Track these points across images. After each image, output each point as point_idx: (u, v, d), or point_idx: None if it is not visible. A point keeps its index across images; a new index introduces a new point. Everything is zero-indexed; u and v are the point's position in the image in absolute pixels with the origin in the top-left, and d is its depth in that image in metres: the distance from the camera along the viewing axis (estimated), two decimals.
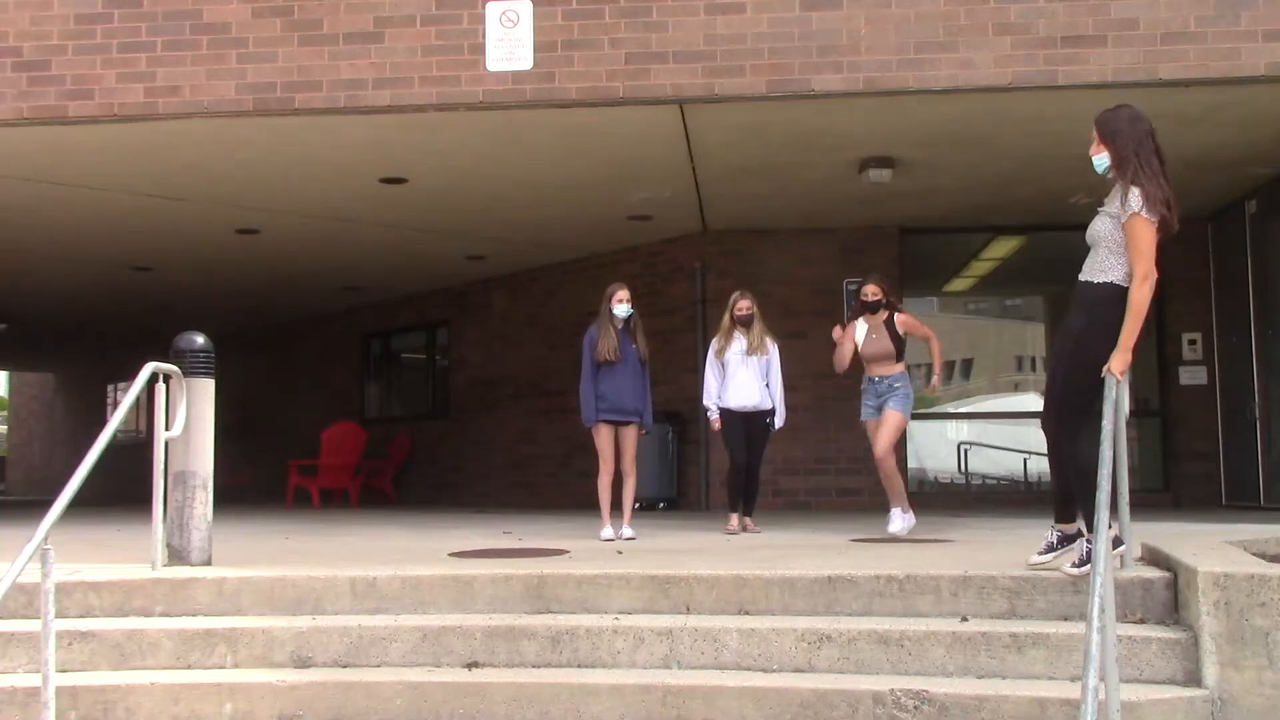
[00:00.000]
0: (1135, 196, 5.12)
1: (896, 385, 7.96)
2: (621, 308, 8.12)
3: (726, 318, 8.64)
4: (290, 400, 18.53)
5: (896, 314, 8.10)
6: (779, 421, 8.63)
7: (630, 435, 8.17)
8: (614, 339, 8.09)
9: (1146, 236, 5.09)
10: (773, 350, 8.60)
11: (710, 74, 7.57)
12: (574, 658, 5.22)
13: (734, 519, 8.55)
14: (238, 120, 8.01)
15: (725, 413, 8.55)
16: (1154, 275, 5.06)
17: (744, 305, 8.58)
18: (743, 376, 8.51)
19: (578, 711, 4.91)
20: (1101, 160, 5.35)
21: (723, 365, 8.56)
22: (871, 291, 8.05)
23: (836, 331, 8.26)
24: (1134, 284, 5.02)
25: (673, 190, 10.26)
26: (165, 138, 8.46)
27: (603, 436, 8.14)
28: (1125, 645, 4.69)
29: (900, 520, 7.91)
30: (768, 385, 8.57)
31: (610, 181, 10.00)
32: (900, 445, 11.54)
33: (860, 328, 8.11)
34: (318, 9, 7.76)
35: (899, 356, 8.02)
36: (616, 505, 8.22)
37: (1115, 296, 5.06)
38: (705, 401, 8.65)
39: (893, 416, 7.96)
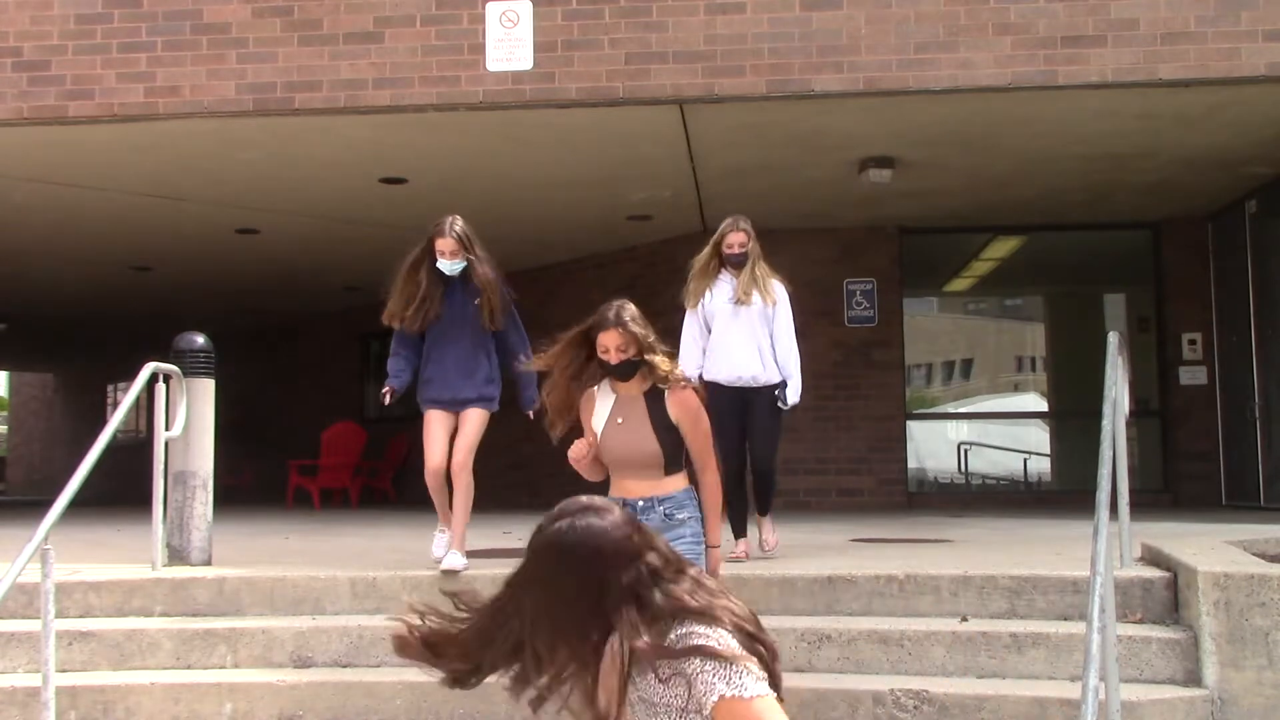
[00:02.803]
0: None
1: (678, 516, 4.42)
2: (447, 263, 6.02)
3: (707, 251, 6.37)
4: (290, 400, 18.51)
5: (668, 386, 4.48)
6: (792, 396, 6.26)
7: (469, 422, 6.13)
8: (423, 295, 6.00)
9: None
10: (781, 297, 6.38)
11: (710, 74, 7.56)
12: None
13: (741, 544, 6.28)
14: (238, 120, 8.01)
15: (713, 389, 6.09)
16: None
17: (736, 240, 6.29)
18: (735, 336, 6.21)
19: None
20: None
21: (704, 321, 6.34)
22: (614, 345, 4.42)
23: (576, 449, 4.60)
24: None
25: (673, 190, 10.26)
26: (165, 138, 8.45)
27: (430, 423, 6.22)
28: (1125, 645, 4.69)
29: None
30: (772, 346, 6.34)
31: (610, 181, 9.99)
32: (898, 449, 11.59)
33: (600, 406, 4.58)
34: (318, 9, 7.75)
35: (670, 463, 4.45)
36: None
37: None
38: (685, 369, 5.83)
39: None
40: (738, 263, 6.32)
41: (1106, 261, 12.36)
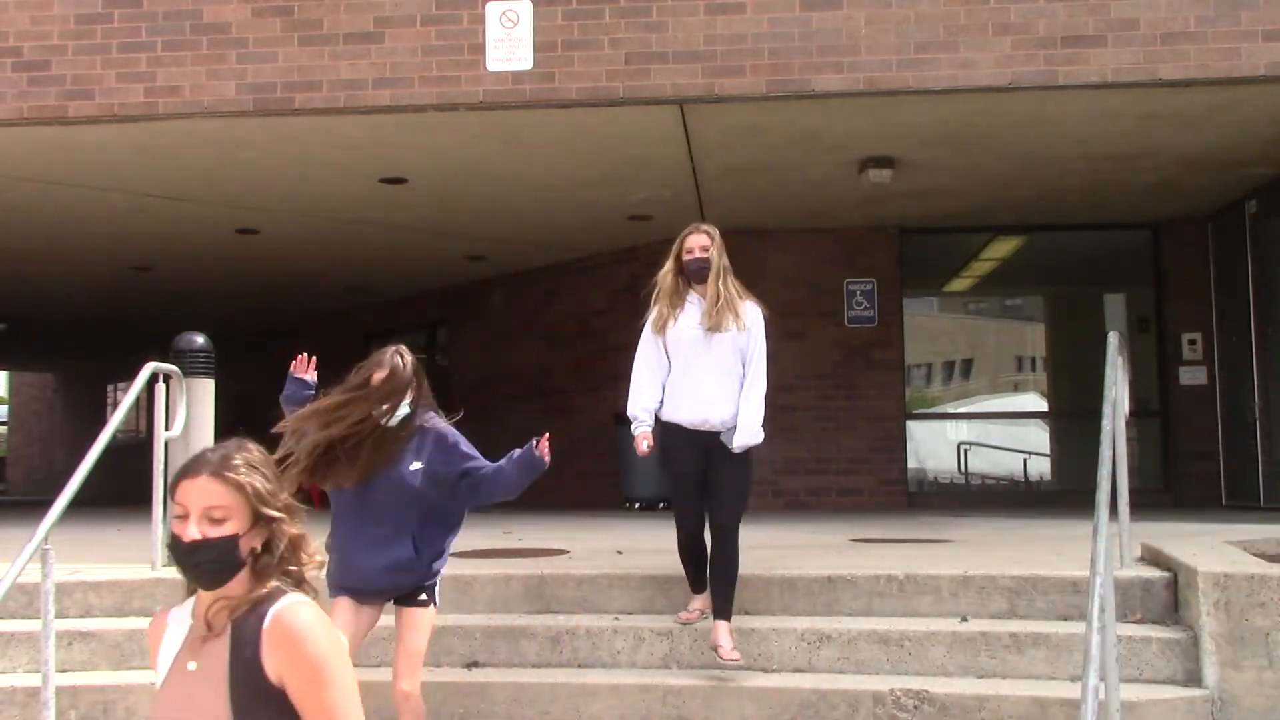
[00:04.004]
0: None
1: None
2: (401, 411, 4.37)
3: (670, 265, 5.25)
4: None
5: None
6: (746, 436, 5.06)
7: (406, 626, 4.35)
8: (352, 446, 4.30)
9: None
10: (753, 322, 5.19)
11: (710, 74, 7.56)
12: (574, 658, 5.23)
13: (695, 601, 5.29)
14: (238, 120, 8.01)
15: (670, 433, 5.13)
16: None
17: (696, 243, 5.19)
18: (704, 370, 5.08)
19: (578, 711, 4.90)
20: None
21: (665, 349, 5.19)
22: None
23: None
24: None
25: (673, 190, 10.26)
26: (165, 138, 8.45)
27: (341, 615, 4.25)
28: (1125, 645, 4.69)
29: None
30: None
31: (610, 181, 9.99)
32: (898, 449, 11.61)
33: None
34: (318, 9, 7.75)
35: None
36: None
37: None
38: (631, 408, 5.18)
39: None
40: (698, 272, 5.13)
41: (1106, 261, 12.37)
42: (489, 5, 7.62)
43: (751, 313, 5.20)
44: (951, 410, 13.03)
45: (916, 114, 8.19)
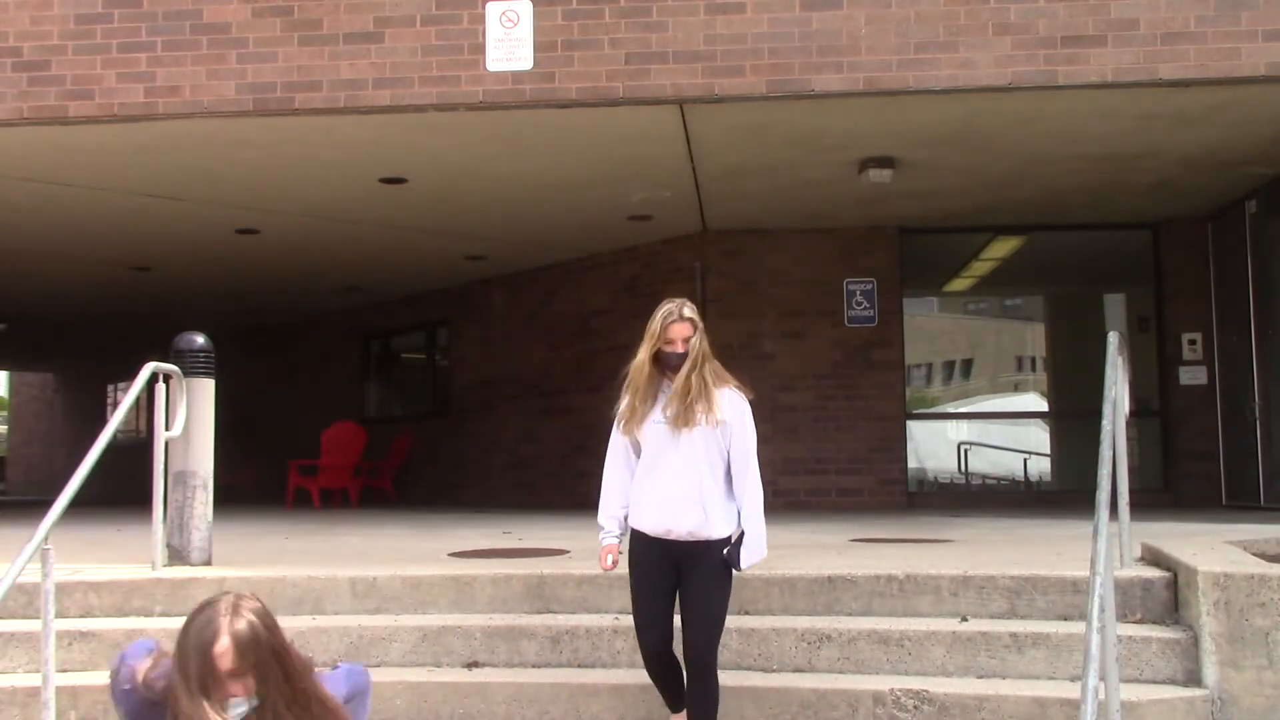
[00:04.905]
0: None
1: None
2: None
3: (646, 353, 4.52)
4: (290, 400, 18.52)
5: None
6: (751, 555, 4.41)
7: None
8: None
9: None
10: (733, 414, 4.46)
11: (710, 74, 7.56)
12: (574, 658, 5.23)
13: None
14: (238, 120, 8.01)
15: (634, 538, 4.52)
16: None
17: (679, 334, 4.48)
18: (667, 470, 4.41)
19: (578, 711, 4.91)
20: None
21: (634, 446, 4.58)
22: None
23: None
24: None
25: (673, 190, 10.26)
26: (165, 138, 8.45)
27: None
28: (1125, 645, 4.69)
29: None
30: (728, 481, 4.46)
31: (610, 181, 9.99)
32: (898, 449, 11.62)
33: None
34: (318, 9, 7.75)
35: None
36: None
37: None
38: (599, 518, 4.57)
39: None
40: (674, 361, 4.46)
41: (1106, 261, 12.37)
42: (489, 5, 7.63)
43: (730, 403, 4.44)
44: (951, 410, 13.04)
45: (916, 114, 8.19)
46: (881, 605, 5.33)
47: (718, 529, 4.39)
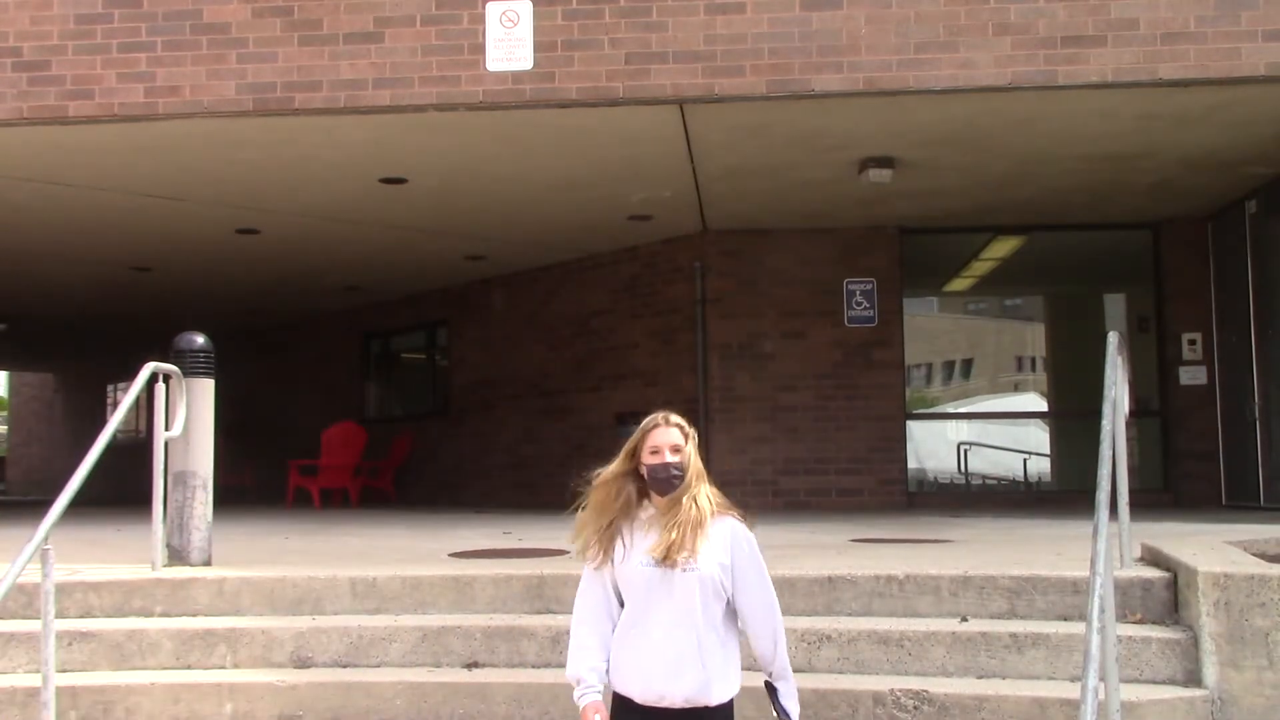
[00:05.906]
0: None
1: None
2: None
3: (619, 465, 3.62)
4: (290, 400, 18.52)
5: None
6: (790, 708, 3.67)
7: None
8: None
9: None
10: (734, 547, 3.53)
11: (710, 74, 7.56)
12: None
13: None
14: (238, 120, 8.01)
15: (618, 705, 3.54)
16: None
17: (666, 443, 3.54)
18: (657, 621, 3.48)
19: (578, 711, 4.90)
20: None
21: (612, 585, 3.58)
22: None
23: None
24: None
25: (673, 190, 10.26)
26: (165, 138, 8.45)
27: None
28: (1125, 645, 4.69)
29: None
30: (725, 626, 3.52)
31: (610, 181, 9.99)
32: (898, 449, 11.61)
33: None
34: (318, 9, 7.75)
35: None
36: None
37: None
38: (570, 670, 3.56)
39: None
40: (665, 483, 3.52)
41: (1106, 261, 12.37)
42: (489, 5, 7.63)
43: (727, 535, 3.51)
44: (951, 410, 13.04)
45: (916, 114, 8.19)
46: (881, 605, 5.33)
47: (717, 692, 3.48)
